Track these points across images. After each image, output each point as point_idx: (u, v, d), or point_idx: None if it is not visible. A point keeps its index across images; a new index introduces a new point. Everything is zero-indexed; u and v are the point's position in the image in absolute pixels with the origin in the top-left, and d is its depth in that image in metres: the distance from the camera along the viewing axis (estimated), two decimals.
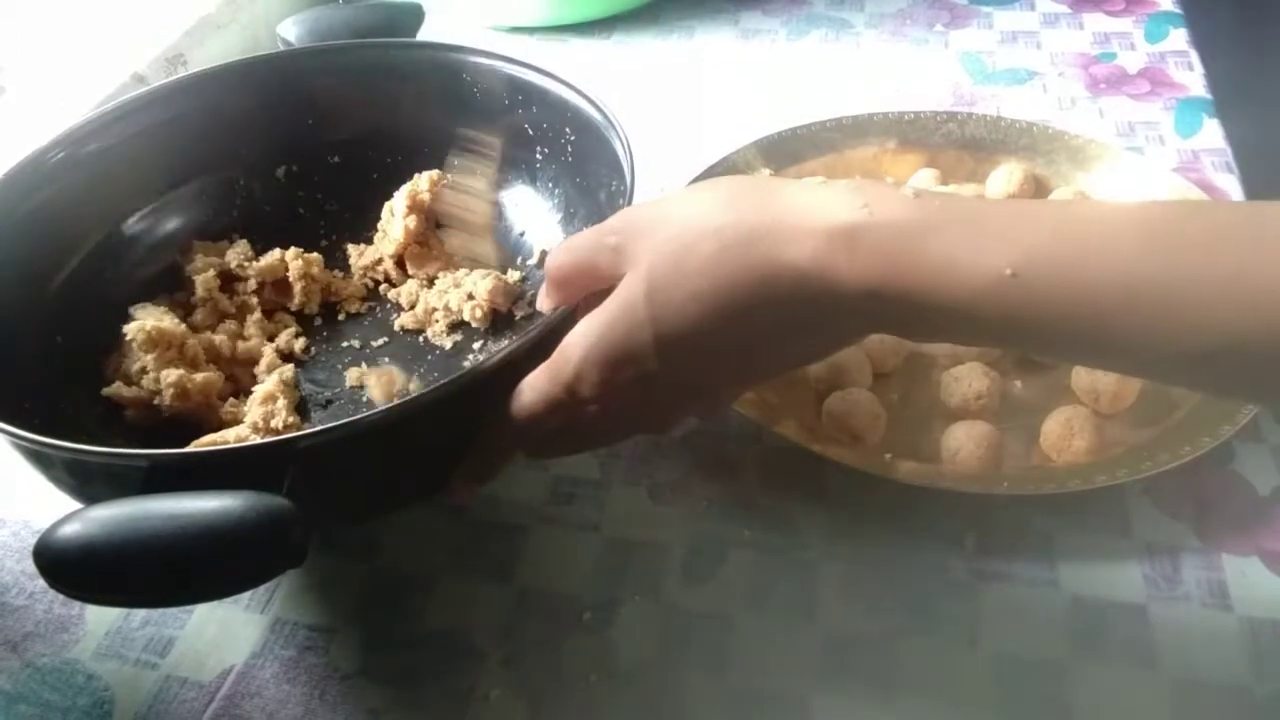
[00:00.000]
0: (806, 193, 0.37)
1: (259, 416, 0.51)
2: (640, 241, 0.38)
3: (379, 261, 0.62)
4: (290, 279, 0.60)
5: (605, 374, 0.38)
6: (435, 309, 0.58)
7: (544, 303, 0.43)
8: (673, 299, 0.36)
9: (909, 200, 0.35)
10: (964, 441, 0.50)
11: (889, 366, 0.55)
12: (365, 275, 0.62)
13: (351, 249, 0.63)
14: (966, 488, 0.48)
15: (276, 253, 0.60)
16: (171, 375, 0.51)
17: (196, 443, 0.49)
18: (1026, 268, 0.32)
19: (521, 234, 0.63)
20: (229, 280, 0.60)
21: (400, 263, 0.62)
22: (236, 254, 0.59)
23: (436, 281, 0.59)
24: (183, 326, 0.54)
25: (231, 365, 0.56)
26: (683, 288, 0.36)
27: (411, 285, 0.60)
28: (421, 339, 0.58)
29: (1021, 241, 0.33)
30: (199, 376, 0.52)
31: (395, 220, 0.61)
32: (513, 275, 0.59)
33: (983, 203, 0.37)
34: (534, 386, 0.40)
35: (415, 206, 0.61)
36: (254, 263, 0.59)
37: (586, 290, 0.42)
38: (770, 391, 0.55)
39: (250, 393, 0.53)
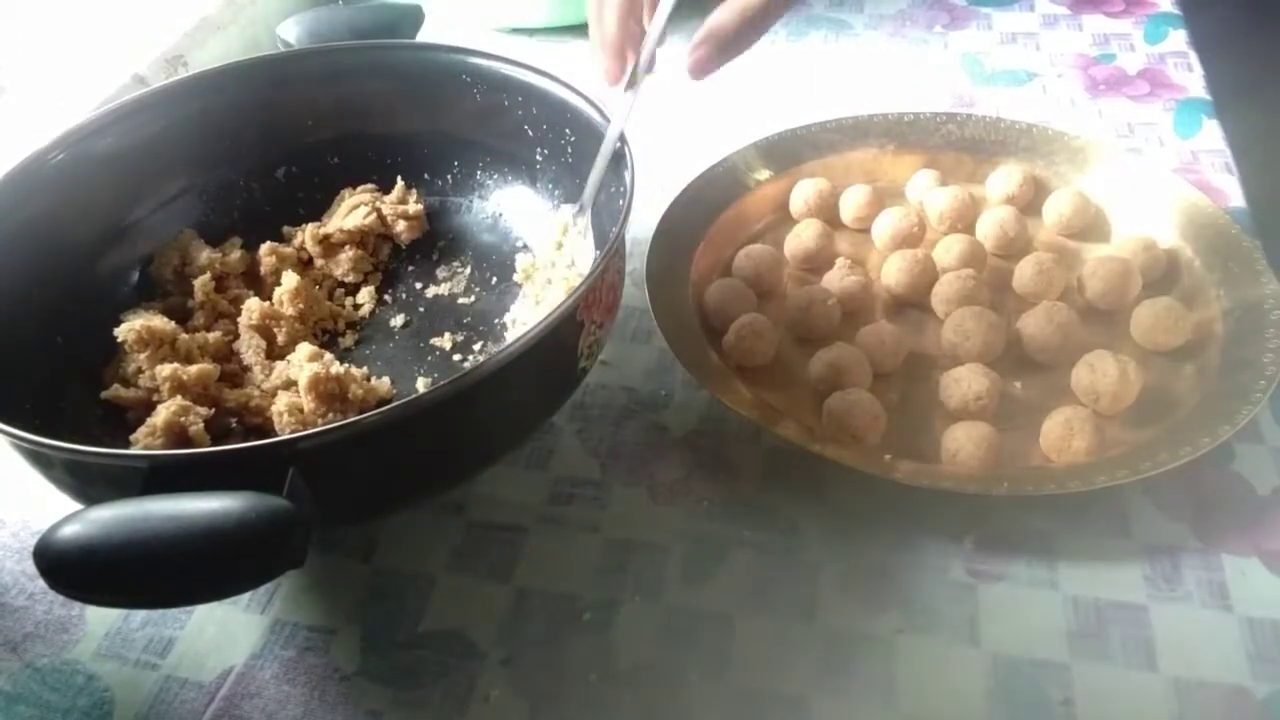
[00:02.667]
0: None
1: (281, 381, 0.52)
2: None
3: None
4: (263, 273, 0.60)
5: None
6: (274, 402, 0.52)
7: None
8: None
9: None
10: (963, 442, 0.50)
11: (888, 368, 0.55)
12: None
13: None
14: (966, 488, 0.48)
15: (237, 245, 0.61)
16: (165, 370, 0.51)
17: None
18: None
19: (520, 242, 0.63)
20: (224, 282, 0.60)
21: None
22: (206, 253, 0.59)
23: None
24: (172, 324, 0.54)
25: (229, 363, 0.56)
26: None
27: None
28: (421, 342, 0.59)
29: None
30: (193, 368, 0.52)
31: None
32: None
33: None
34: None
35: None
36: (224, 258, 0.60)
37: None
38: (770, 392, 0.55)
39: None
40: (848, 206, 0.66)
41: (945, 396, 0.53)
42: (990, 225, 0.62)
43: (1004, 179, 0.65)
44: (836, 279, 0.60)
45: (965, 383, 0.53)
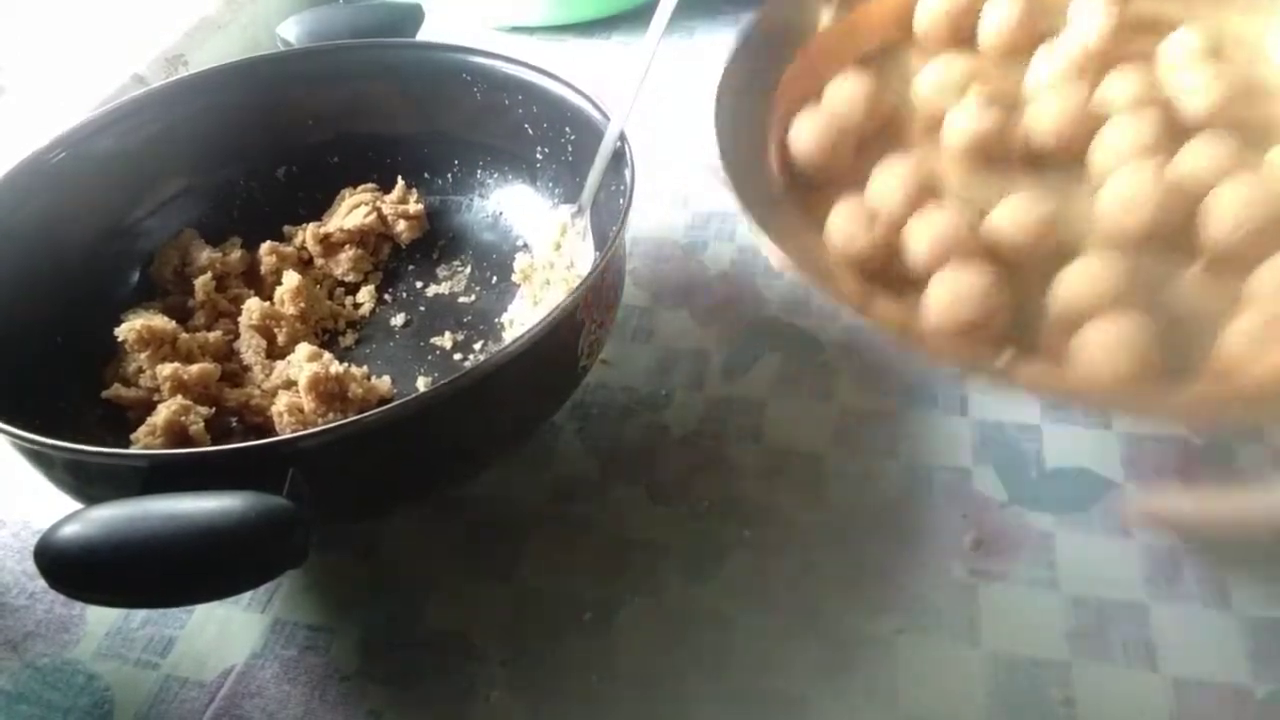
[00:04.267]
0: None
1: (281, 380, 0.52)
2: None
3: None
4: (263, 273, 0.60)
5: None
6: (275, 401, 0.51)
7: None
8: None
9: None
10: (1102, 341, 0.39)
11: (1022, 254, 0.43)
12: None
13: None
14: (1114, 405, 0.38)
15: (236, 245, 0.61)
16: (166, 369, 0.51)
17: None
18: None
19: (520, 241, 0.63)
20: (224, 282, 0.60)
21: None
22: (207, 253, 0.59)
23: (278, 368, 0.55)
24: (172, 324, 0.54)
25: (229, 362, 0.56)
26: None
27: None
28: (421, 342, 0.59)
29: None
30: (194, 368, 0.52)
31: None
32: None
33: None
34: None
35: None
36: (224, 258, 0.60)
37: None
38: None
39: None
40: (989, 27, 0.51)
41: (1071, 293, 0.41)
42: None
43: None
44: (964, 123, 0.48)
45: (1098, 275, 0.40)
